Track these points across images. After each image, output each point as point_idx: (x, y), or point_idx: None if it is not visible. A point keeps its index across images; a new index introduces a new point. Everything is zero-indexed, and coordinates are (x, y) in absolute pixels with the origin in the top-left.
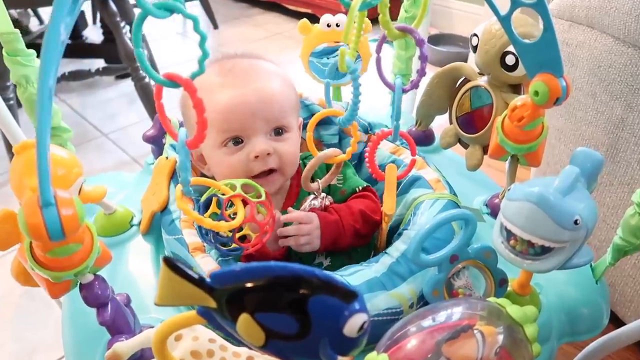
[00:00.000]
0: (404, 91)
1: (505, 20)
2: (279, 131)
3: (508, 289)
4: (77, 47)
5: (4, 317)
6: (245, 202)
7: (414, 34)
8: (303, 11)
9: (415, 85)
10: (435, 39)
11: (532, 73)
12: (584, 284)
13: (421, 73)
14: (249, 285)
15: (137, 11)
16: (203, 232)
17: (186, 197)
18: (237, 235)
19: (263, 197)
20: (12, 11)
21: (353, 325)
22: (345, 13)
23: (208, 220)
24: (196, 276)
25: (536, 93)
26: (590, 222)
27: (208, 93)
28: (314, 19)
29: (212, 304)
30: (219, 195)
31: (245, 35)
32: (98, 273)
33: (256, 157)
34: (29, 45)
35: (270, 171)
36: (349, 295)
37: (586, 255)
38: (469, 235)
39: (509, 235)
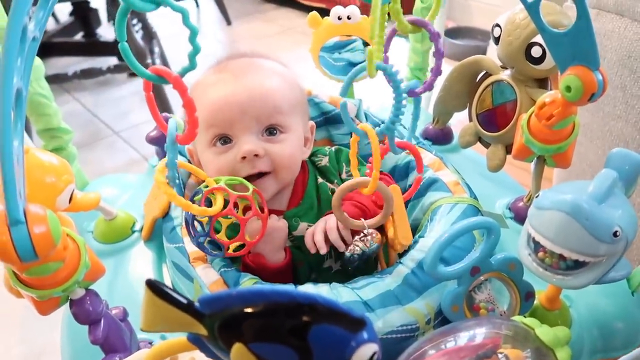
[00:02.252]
0: (417, 94)
1: (532, 7)
2: (273, 131)
3: (535, 302)
4: (90, 45)
5: (13, 319)
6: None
7: (428, 27)
8: (317, 6)
9: (429, 87)
10: (453, 32)
11: (563, 66)
12: (619, 295)
13: (436, 72)
14: (242, 311)
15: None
16: (189, 225)
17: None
18: (235, 242)
19: (249, 192)
20: None
21: (361, 356)
22: (359, 6)
23: (180, 199)
24: (184, 301)
25: (568, 89)
26: (631, 232)
27: (202, 91)
28: (327, 14)
29: (203, 331)
30: (202, 189)
31: (258, 31)
32: (93, 286)
33: (243, 158)
34: (45, 45)
35: (262, 174)
36: (355, 323)
37: (624, 268)
38: (491, 245)
39: (537, 246)
